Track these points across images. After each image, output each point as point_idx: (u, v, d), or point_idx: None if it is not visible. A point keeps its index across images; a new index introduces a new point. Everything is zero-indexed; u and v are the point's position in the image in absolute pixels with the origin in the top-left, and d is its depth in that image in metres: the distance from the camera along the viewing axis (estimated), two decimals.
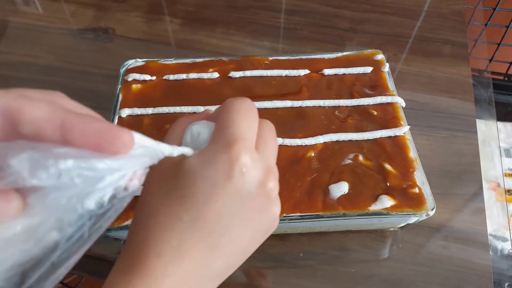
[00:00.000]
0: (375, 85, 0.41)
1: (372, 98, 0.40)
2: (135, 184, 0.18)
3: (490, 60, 0.75)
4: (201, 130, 0.24)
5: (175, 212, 0.21)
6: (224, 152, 0.21)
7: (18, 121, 0.17)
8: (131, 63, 0.43)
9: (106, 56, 0.55)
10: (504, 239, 0.48)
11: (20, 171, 0.15)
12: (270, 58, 0.44)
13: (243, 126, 0.22)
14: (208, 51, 0.56)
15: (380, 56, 0.44)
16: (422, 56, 0.55)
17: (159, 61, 0.43)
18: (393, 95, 0.40)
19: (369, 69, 0.42)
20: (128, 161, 0.17)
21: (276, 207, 0.24)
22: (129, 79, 0.41)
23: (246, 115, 0.23)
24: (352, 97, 0.40)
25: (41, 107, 0.17)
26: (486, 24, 0.71)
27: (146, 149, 0.19)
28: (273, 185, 0.23)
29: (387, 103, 0.40)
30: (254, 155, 0.22)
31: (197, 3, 0.63)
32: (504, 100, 0.77)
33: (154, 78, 0.42)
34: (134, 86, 0.41)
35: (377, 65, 0.43)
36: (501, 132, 0.70)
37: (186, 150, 0.22)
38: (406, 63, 0.54)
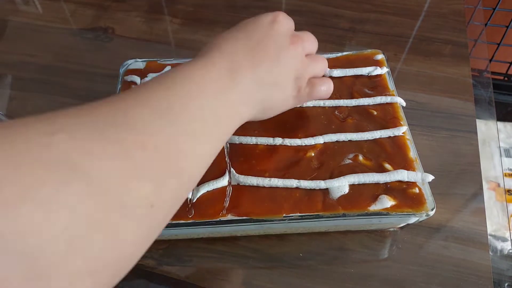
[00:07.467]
0: (375, 85, 0.41)
1: (372, 98, 0.40)
2: None
3: (490, 60, 0.75)
4: None
5: (234, 33, 0.31)
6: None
7: None
8: (131, 63, 0.43)
9: (106, 56, 0.55)
10: (504, 239, 0.48)
11: None
12: None
13: None
14: None
15: (380, 56, 0.44)
16: (422, 56, 0.55)
17: (158, 61, 0.43)
18: (393, 95, 0.40)
19: (369, 69, 0.42)
20: None
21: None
22: (129, 80, 0.41)
23: None
24: (352, 97, 0.40)
25: None
26: (486, 24, 0.72)
27: None
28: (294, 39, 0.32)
29: (387, 103, 0.40)
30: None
31: (197, 3, 0.63)
32: (504, 100, 0.77)
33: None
34: (134, 87, 0.41)
35: (377, 65, 0.43)
36: (501, 132, 0.70)
37: None
38: (406, 63, 0.54)
